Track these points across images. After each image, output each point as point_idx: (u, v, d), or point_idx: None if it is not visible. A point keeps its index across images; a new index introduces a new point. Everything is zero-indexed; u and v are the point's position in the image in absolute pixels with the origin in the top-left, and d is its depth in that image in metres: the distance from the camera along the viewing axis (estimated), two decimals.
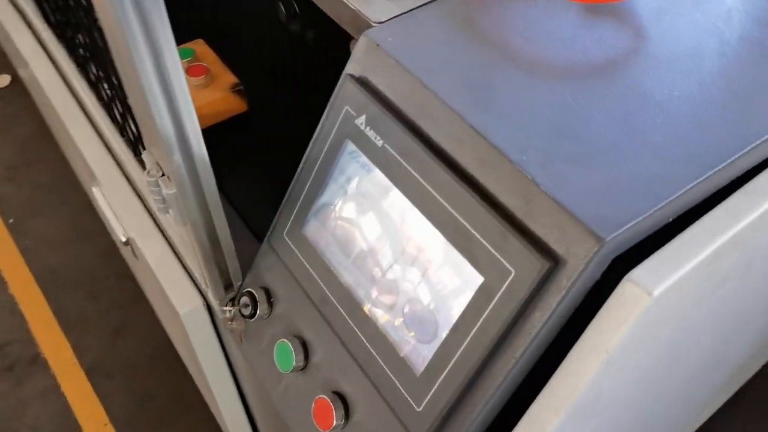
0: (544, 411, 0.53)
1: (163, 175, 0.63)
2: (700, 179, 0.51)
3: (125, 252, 1.13)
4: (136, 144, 0.87)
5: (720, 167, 0.51)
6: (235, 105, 0.93)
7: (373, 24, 0.64)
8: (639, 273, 0.49)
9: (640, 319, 0.49)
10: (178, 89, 0.55)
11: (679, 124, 0.54)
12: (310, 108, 0.95)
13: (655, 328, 0.53)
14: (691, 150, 0.52)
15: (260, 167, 0.93)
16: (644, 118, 0.55)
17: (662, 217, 0.50)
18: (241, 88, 0.93)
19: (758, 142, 0.54)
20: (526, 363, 0.52)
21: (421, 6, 0.65)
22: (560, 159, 0.51)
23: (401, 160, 0.57)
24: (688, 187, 0.50)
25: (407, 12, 0.64)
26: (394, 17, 0.64)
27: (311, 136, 0.66)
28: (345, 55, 0.64)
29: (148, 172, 0.64)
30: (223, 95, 0.92)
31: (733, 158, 0.52)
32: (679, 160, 0.51)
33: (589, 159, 0.51)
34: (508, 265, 0.50)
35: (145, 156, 0.65)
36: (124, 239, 0.95)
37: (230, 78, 0.93)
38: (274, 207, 0.71)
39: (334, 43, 0.78)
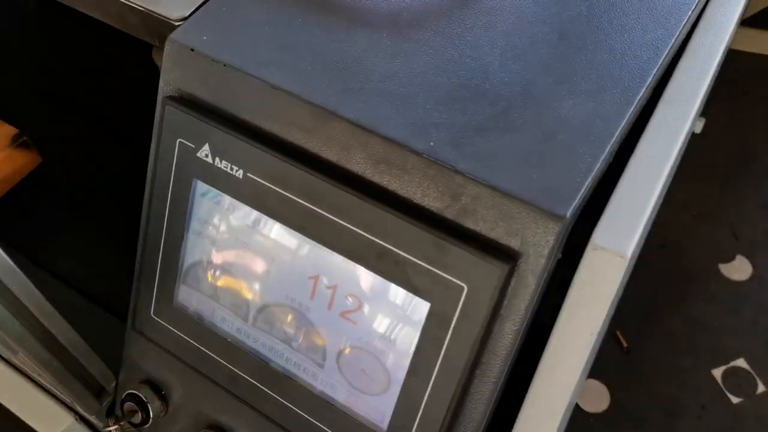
0: (538, 419, 0.44)
1: None
2: (632, 106, 0.43)
3: None
4: None
5: (645, 86, 0.44)
6: (25, 161, 0.74)
7: (176, 23, 0.49)
8: (603, 235, 0.40)
9: (616, 287, 0.41)
10: None
11: (585, 52, 0.46)
12: (125, 137, 0.78)
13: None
14: (614, 75, 0.44)
15: (86, 226, 0.75)
16: (542, 53, 0.45)
17: (606, 163, 0.41)
18: (26, 138, 0.73)
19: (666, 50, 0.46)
20: (506, 377, 0.43)
21: None
22: (471, 131, 0.41)
23: (275, 188, 0.44)
24: (625, 120, 0.42)
25: None
26: (200, 6, 0.49)
27: (140, 171, 0.51)
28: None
29: None
30: (5, 154, 0.72)
31: (653, 73, 0.44)
32: (604, 90, 0.43)
33: (504, 121, 0.42)
34: (456, 281, 0.40)
35: None
36: None
37: (8, 130, 0.73)
38: (123, 271, 0.56)
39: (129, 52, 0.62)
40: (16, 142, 0.73)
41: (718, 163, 1.62)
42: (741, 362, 1.41)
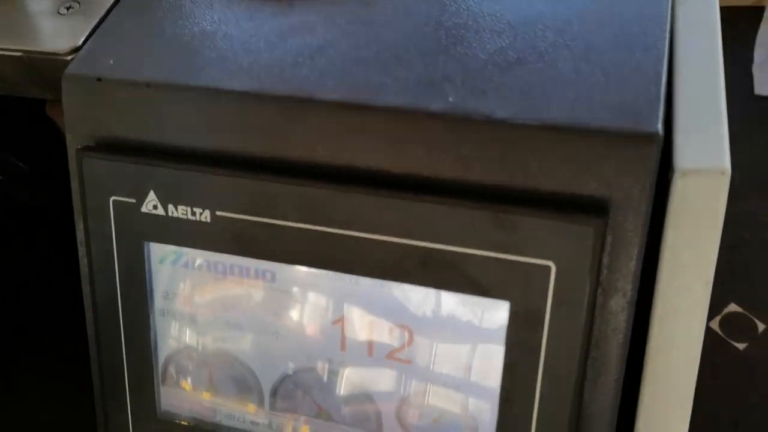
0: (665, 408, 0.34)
1: None
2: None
3: None
4: None
5: None
6: None
7: (67, 58, 0.37)
8: (689, 155, 0.31)
9: (722, 213, 0.32)
10: None
11: None
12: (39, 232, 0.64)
13: None
14: None
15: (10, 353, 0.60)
16: None
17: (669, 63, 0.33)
18: None
19: None
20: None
21: None
22: (493, 72, 0.32)
23: (260, 220, 0.33)
24: (669, 8, 0.34)
25: (107, 14, 0.39)
26: (93, 30, 0.38)
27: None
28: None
29: None
30: None
31: None
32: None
33: (526, 51, 0.33)
34: (538, 261, 0.30)
35: None
36: None
37: None
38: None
39: None
40: None
41: None
42: (733, 307, 1.37)
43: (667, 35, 0.33)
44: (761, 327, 1.36)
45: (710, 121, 0.32)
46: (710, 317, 1.37)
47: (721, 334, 1.33)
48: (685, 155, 0.31)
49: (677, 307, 0.32)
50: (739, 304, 1.40)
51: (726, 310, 1.36)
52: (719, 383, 1.26)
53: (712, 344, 1.29)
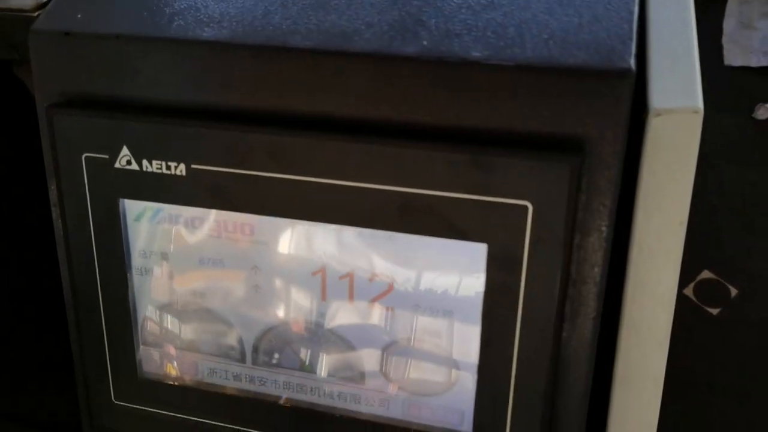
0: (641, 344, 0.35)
1: None
2: None
3: None
4: None
5: None
6: None
7: (33, 14, 0.37)
8: (662, 96, 0.32)
9: (696, 152, 0.33)
10: None
11: None
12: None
13: None
14: None
15: None
16: None
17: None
18: None
19: None
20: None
21: None
22: (466, 15, 0.32)
23: (236, 171, 0.33)
24: None
25: None
26: None
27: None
28: None
29: None
30: None
31: None
32: None
33: None
34: (515, 201, 0.30)
35: None
36: None
37: None
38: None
39: None
40: None
41: None
42: (706, 274, 1.40)
43: None
44: (734, 292, 1.39)
45: (682, 63, 0.32)
46: (684, 284, 1.39)
47: (695, 300, 1.35)
48: (658, 96, 0.31)
49: (653, 247, 0.32)
50: (712, 271, 1.42)
51: (699, 277, 1.39)
52: (694, 347, 1.29)
53: (686, 311, 1.31)
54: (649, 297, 0.34)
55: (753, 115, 1.08)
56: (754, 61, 1.04)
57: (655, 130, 0.31)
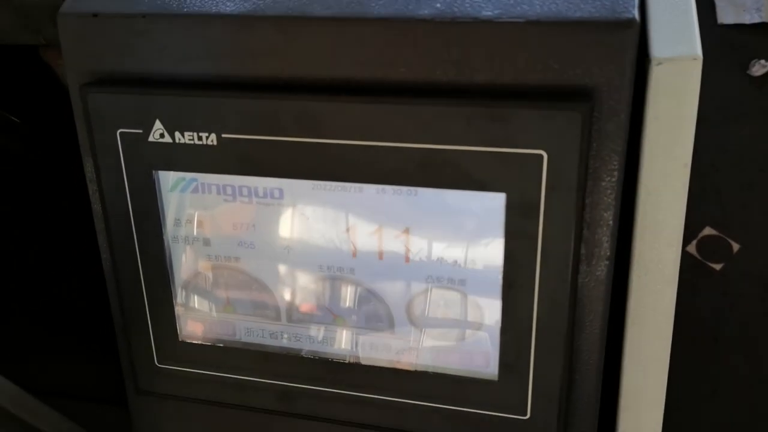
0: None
1: None
2: None
3: None
4: None
5: None
6: None
7: None
8: (662, 46, 0.34)
9: (696, 98, 0.35)
10: None
11: None
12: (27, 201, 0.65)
13: None
14: None
15: (23, 313, 0.61)
16: None
17: None
18: None
19: None
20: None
21: None
22: None
23: (266, 138, 0.35)
24: None
25: None
26: None
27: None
28: None
29: None
30: None
31: None
32: None
33: None
34: (530, 151, 0.32)
35: None
36: None
37: None
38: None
39: None
40: None
41: None
42: (708, 230, 1.42)
43: None
44: (736, 247, 1.41)
45: (680, 14, 0.34)
46: (687, 241, 1.41)
47: (698, 256, 1.38)
48: (659, 46, 0.33)
49: (659, 188, 0.34)
50: (713, 227, 1.44)
51: (701, 234, 1.41)
52: (699, 303, 1.31)
53: (690, 267, 1.33)
54: (658, 236, 0.36)
55: (748, 72, 1.10)
56: (747, 18, 1.05)
57: (657, 78, 0.33)
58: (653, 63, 0.33)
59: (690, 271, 1.32)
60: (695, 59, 0.33)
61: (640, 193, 0.35)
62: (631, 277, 0.37)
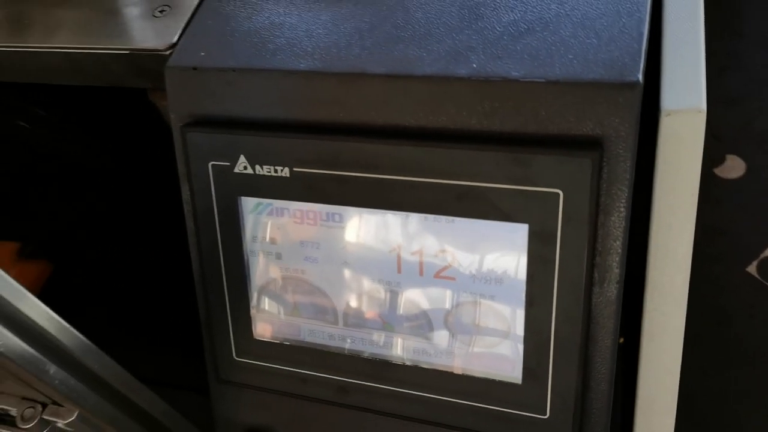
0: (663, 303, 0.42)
1: (45, 406, 0.42)
2: None
3: None
4: None
5: None
6: (37, 272, 0.70)
7: (166, 53, 0.47)
8: (671, 99, 0.39)
9: (701, 146, 0.40)
10: None
11: None
12: (136, 213, 0.75)
13: None
14: None
15: (122, 313, 0.71)
16: None
17: (650, 26, 0.40)
18: (32, 248, 0.70)
19: None
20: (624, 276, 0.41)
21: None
22: (507, 41, 0.40)
23: (328, 172, 0.42)
24: None
25: (193, 15, 0.48)
26: (183, 29, 0.47)
27: (158, 239, 0.49)
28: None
29: (21, 418, 0.42)
30: (16, 270, 0.68)
31: None
32: None
33: (534, 21, 0.40)
34: (549, 190, 0.38)
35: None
36: None
37: (10, 246, 0.69)
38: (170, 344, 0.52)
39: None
40: (23, 254, 0.69)
41: None
42: None
43: (649, 2, 0.40)
44: None
45: (691, 69, 0.40)
46: (748, 262, 1.42)
47: (758, 277, 1.38)
48: (669, 98, 0.39)
49: (669, 220, 0.40)
50: None
51: (762, 255, 1.40)
52: (757, 323, 1.31)
53: (749, 288, 1.33)
54: (669, 261, 0.41)
55: None
56: None
57: (667, 127, 0.38)
58: (663, 114, 0.38)
59: (749, 291, 1.32)
60: (700, 112, 0.38)
61: (652, 224, 0.40)
62: (645, 298, 0.42)
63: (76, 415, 0.41)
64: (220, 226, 0.47)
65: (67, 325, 0.40)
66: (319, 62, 0.42)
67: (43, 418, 0.42)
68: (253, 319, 0.49)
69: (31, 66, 0.52)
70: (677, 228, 0.41)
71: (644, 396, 0.46)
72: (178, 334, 0.61)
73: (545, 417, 0.43)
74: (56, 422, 0.42)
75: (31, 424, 0.42)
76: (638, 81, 0.36)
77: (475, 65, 0.39)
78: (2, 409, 0.43)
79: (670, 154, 0.39)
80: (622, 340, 0.47)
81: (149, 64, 0.48)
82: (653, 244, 0.41)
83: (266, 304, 0.48)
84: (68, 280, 0.73)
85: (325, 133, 0.42)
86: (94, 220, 0.74)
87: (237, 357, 0.50)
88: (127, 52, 0.48)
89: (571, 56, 0.38)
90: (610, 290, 0.40)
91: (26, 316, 0.38)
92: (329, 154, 0.42)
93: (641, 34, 0.38)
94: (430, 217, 0.42)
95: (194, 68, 0.44)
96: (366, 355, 0.47)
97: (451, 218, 0.41)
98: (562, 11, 0.41)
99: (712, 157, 1.55)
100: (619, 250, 0.39)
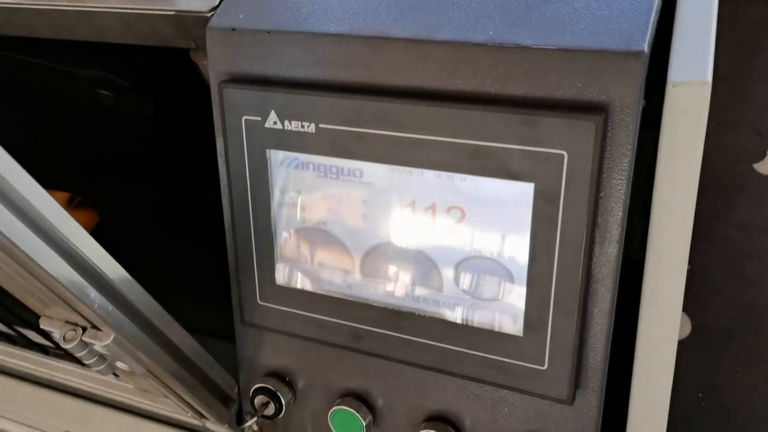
0: (665, 276, 0.44)
1: (85, 330, 0.47)
2: None
3: None
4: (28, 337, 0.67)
5: None
6: (85, 221, 0.75)
7: (208, 15, 0.50)
8: (678, 72, 0.41)
9: (705, 116, 0.42)
10: (48, 212, 0.40)
11: None
12: (177, 169, 0.79)
13: None
14: None
15: (161, 262, 0.76)
16: None
17: (659, 5, 0.42)
18: (80, 198, 0.75)
19: None
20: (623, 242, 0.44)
21: None
22: (523, 11, 0.42)
23: (351, 129, 0.45)
24: None
25: None
26: None
27: (196, 196, 0.53)
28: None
29: (63, 339, 0.47)
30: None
31: None
32: None
33: None
34: (554, 151, 0.41)
35: (45, 324, 0.48)
36: None
37: (60, 196, 0.75)
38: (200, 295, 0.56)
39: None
40: (72, 204, 0.74)
41: (721, 74, 1.62)
42: None
43: None
44: None
45: (700, 41, 0.42)
46: None
47: None
48: (676, 70, 0.41)
49: (673, 186, 0.42)
50: None
51: None
52: None
53: None
54: (669, 227, 0.43)
55: None
56: None
57: (672, 97, 0.40)
58: (669, 85, 0.40)
59: None
60: (704, 84, 0.40)
61: (655, 191, 0.42)
62: (646, 262, 0.44)
63: (112, 338, 0.46)
64: (250, 178, 0.50)
65: (109, 255, 0.44)
66: (347, 26, 0.45)
67: (83, 340, 0.46)
68: (276, 266, 0.52)
69: (85, 25, 0.56)
70: (680, 196, 0.43)
71: (643, 359, 0.48)
72: (212, 285, 0.65)
73: (543, 368, 0.46)
74: (94, 344, 0.46)
75: (72, 345, 0.46)
76: (642, 50, 0.38)
77: (491, 32, 0.42)
78: (48, 330, 0.48)
79: (674, 125, 0.41)
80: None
81: (193, 26, 0.52)
82: (655, 211, 0.43)
83: (289, 252, 0.52)
84: (112, 231, 0.78)
85: (349, 93, 0.45)
86: (138, 177, 0.78)
87: (260, 301, 0.54)
88: (173, 13, 0.52)
89: (582, 26, 0.40)
90: (610, 249, 0.42)
91: (73, 244, 0.42)
92: (352, 112, 0.45)
93: (650, 8, 0.40)
94: (444, 174, 0.44)
95: (233, 29, 0.48)
96: (379, 304, 0.50)
97: (463, 176, 0.44)
98: None
99: (753, 153, 1.53)
100: (620, 213, 0.42)
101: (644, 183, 0.44)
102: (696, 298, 1.39)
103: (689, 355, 1.35)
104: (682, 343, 1.37)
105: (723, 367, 1.30)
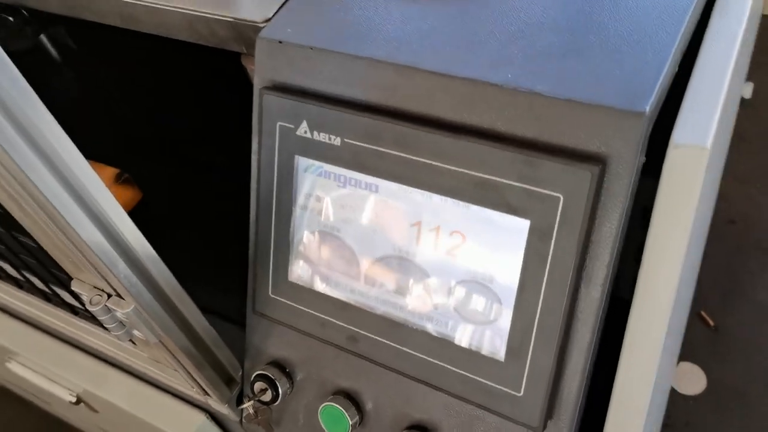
0: (647, 324, 0.46)
1: (110, 296, 0.51)
2: (687, 14, 0.46)
3: (76, 414, 0.96)
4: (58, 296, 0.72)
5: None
6: (129, 196, 0.81)
7: (261, 25, 0.55)
8: (682, 134, 0.43)
9: (701, 179, 0.44)
10: (90, 185, 0.45)
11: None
12: (217, 160, 0.84)
13: (704, 186, 0.48)
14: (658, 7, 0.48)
15: (191, 245, 0.81)
16: None
17: (674, 65, 0.45)
18: (127, 176, 0.80)
19: None
20: (610, 286, 0.46)
21: None
22: (542, 60, 0.45)
23: (372, 147, 0.49)
24: (683, 26, 0.45)
25: None
26: (280, 7, 0.55)
27: (231, 188, 0.57)
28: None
29: (90, 302, 0.52)
30: (111, 189, 0.79)
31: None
32: (659, 8, 0.47)
33: (570, 46, 0.46)
34: (552, 193, 0.44)
35: (75, 286, 0.53)
36: (73, 398, 0.80)
37: (109, 171, 0.81)
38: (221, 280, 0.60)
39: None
40: (119, 180, 0.80)
41: None
42: None
43: (676, 44, 0.45)
44: None
45: (708, 107, 0.44)
46: None
47: None
48: (680, 132, 0.43)
49: (665, 240, 0.44)
50: None
51: None
52: None
53: None
54: (659, 271, 0.45)
55: None
56: None
57: (672, 157, 0.43)
58: (670, 146, 0.43)
59: None
60: (704, 149, 0.42)
61: (646, 247, 0.45)
62: (633, 302, 0.46)
63: (132, 308, 0.50)
64: (277, 179, 0.54)
65: (140, 233, 0.49)
66: (382, 52, 0.49)
67: (106, 306, 0.51)
68: (290, 263, 0.56)
69: (152, 21, 0.62)
70: (668, 255, 0.45)
71: (621, 389, 0.50)
72: (232, 272, 0.70)
73: (519, 395, 0.48)
74: (116, 311, 0.51)
75: (97, 308, 0.51)
76: (644, 111, 0.41)
77: (509, 75, 0.45)
78: (78, 293, 0.53)
79: (672, 185, 0.44)
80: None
81: (247, 33, 0.57)
82: (645, 261, 0.46)
83: (303, 252, 0.56)
84: (152, 209, 0.84)
85: (375, 113, 0.49)
86: (182, 162, 0.84)
87: (272, 294, 0.58)
88: (231, 19, 0.56)
89: (593, 81, 0.43)
90: (593, 292, 0.45)
91: (110, 219, 0.47)
92: (375, 132, 0.49)
93: (660, 72, 0.43)
94: (450, 200, 0.48)
95: (279, 41, 0.52)
96: (377, 311, 0.53)
97: (467, 204, 0.47)
98: (596, 41, 0.46)
99: None
100: (607, 258, 0.44)
101: (639, 226, 0.47)
102: (716, 355, 1.38)
103: (702, 411, 1.34)
104: (695, 399, 1.36)
105: (733, 427, 1.29)
